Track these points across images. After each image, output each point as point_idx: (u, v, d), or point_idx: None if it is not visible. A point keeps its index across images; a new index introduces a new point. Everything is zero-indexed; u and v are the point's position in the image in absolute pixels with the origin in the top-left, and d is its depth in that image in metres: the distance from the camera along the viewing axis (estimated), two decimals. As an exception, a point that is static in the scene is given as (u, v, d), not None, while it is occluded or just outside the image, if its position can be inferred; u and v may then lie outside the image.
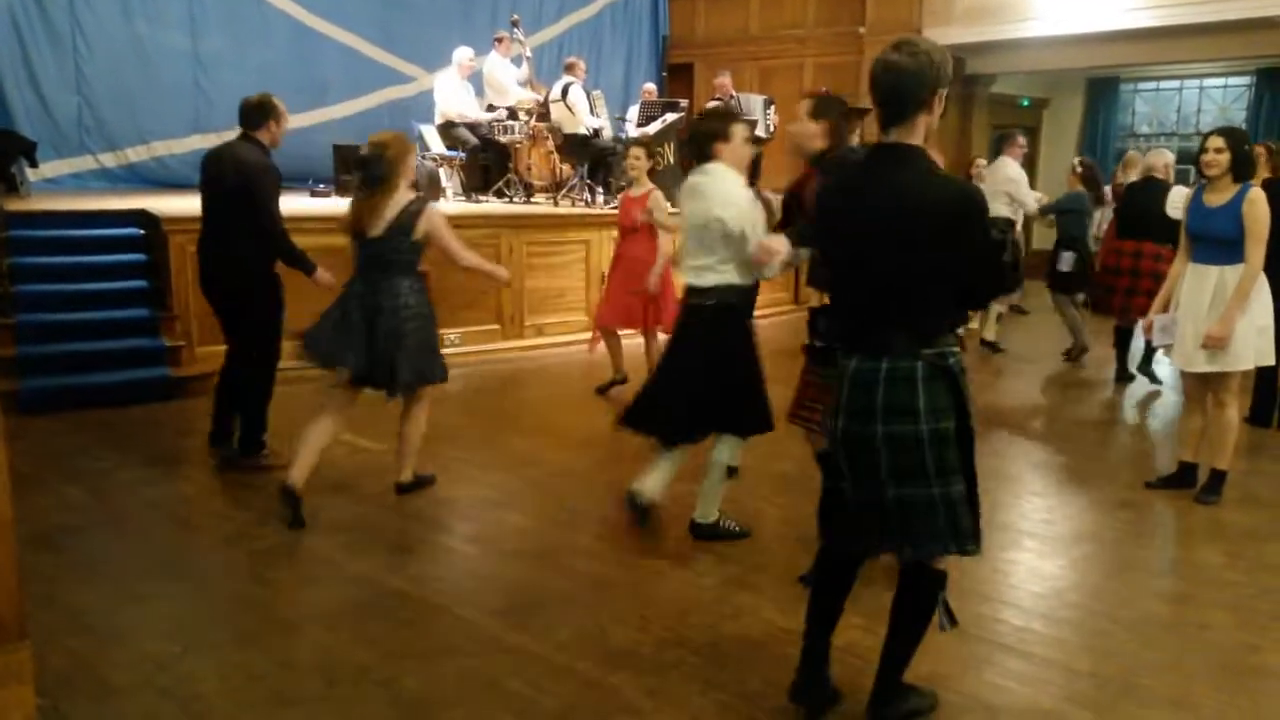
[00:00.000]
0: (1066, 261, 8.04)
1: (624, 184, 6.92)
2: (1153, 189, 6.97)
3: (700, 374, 3.98)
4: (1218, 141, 4.60)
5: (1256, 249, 4.52)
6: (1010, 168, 8.62)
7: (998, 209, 6.99)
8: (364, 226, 4.37)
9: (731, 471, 4.19)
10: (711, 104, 11.19)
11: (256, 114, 4.87)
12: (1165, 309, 4.85)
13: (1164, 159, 7.16)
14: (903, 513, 2.54)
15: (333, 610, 3.60)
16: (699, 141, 4.08)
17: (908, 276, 2.47)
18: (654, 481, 4.19)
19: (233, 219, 4.87)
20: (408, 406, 4.69)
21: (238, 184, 4.80)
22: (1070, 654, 3.35)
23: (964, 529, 2.56)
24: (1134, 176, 7.84)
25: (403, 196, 4.38)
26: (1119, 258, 7.19)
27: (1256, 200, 4.53)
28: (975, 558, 2.72)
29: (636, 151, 6.51)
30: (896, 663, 2.77)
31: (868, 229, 2.50)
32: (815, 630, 2.85)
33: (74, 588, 3.73)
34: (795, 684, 2.88)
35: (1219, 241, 4.61)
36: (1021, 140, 8.87)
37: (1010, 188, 8.47)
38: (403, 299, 4.36)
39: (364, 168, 4.37)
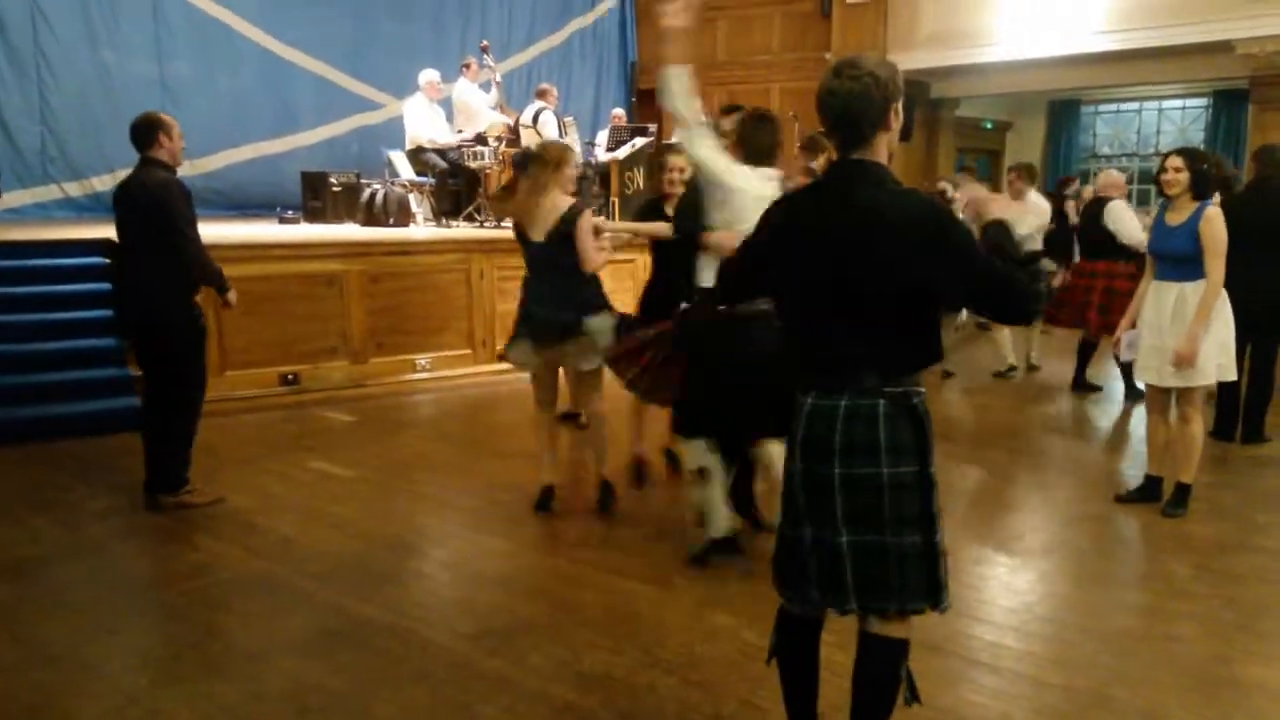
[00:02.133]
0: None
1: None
2: (1099, 208, 7.37)
3: (756, 376, 3.83)
4: (1176, 161, 4.71)
5: (1216, 265, 4.61)
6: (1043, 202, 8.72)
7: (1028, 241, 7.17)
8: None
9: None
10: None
11: (145, 133, 4.77)
12: (1132, 326, 4.95)
13: (1115, 179, 7.61)
14: (855, 563, 2.34)
15: (303, 639, 3.57)
16: (768, 147, 4.01)
17: (876, 304, 2.29)
18: (722, 515, 4.16)
19: (147, 247, 4.73)
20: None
21: (147, 204, 4.68)
22: (1041, 667, 3.37)
23: (913, 585, 2.35)
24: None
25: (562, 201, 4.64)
26: (1077, 275, 7.64)
27: (1213, 218, 4.62)
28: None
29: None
30: None
31: (831, 251, 2.32)
32: (796, 711, 2.63)
33: (42, 620, 3.67)
34: None
35: (1177, 259, 4.72)
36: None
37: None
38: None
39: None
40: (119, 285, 4.94)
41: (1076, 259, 7.97)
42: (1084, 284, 7.48)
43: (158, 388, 4.87)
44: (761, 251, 2.54)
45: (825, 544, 2.37)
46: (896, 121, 2.36)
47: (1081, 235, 7.82)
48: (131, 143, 4.82)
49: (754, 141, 4.01)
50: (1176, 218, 4.73)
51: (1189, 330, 4.63)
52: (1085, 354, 7.89)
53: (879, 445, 2.31)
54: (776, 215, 2.52)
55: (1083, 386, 7.91)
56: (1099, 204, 7.41)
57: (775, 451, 4.07)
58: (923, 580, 2.36)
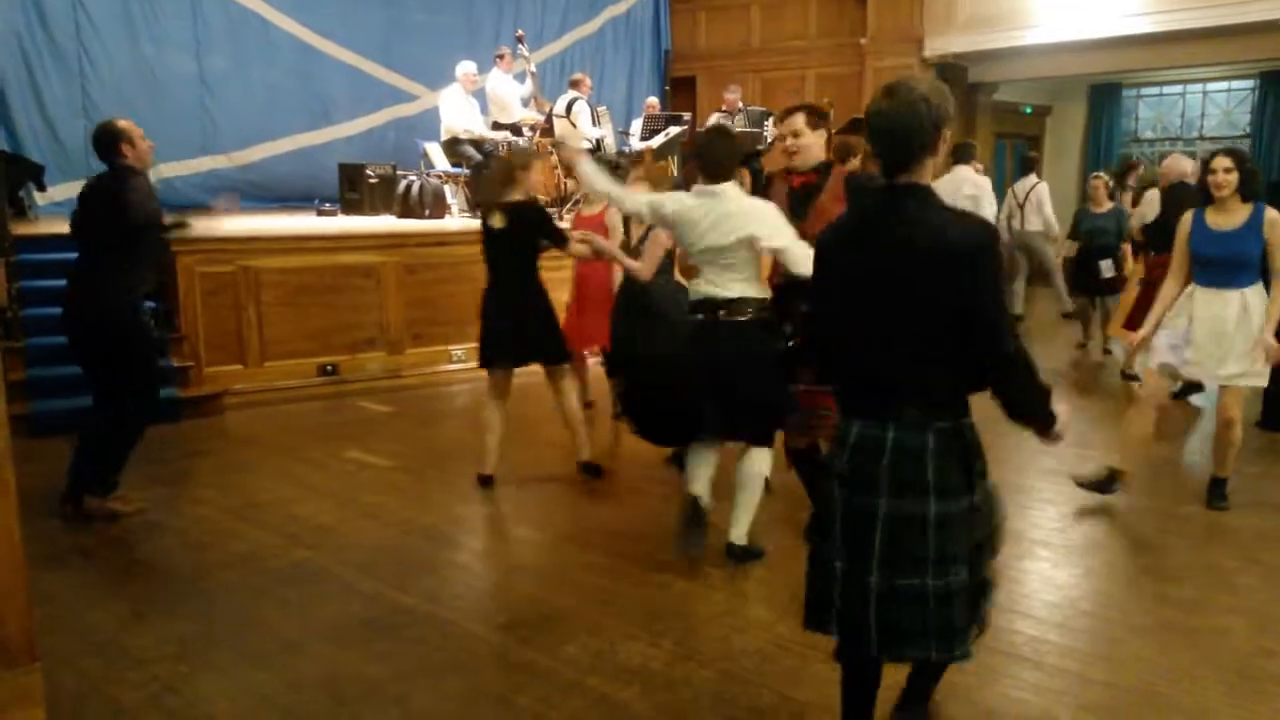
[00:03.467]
0: (1108, 269, 8.44)
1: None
2: (1186, 195, 6.63)
3: (756, 381, 3.87)
4: (1226, 162, 4.53)
5: None
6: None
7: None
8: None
9: (766, 484, 4.21)
10: (715, 118, 11.22)
11: (105, 143, 4.65)
12: (1154, 330, 4.77)
13: (1187, 164, 7.21)
14: (890, 606, 2.30)
15: (341, 628, 3.60)
16: (720, 161, 3.93)
17: (925, 331, 2.25)
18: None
19: (101, 252, 4.65)
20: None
21: (102, 203, 4.59)
22: (1085, 663, 3.32)
23: (957, 628, 2.32)
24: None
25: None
26: (1152, 270, 6.97)
27: (1276, 221, 4.51)
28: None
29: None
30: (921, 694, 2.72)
31: (876, 277, 2.29)
32: (851, 711, 2.58)
33: (84, 609, 3.73)
34: None
35: (1238, 264, 4.54)
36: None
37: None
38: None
39: None
40: (68, 292, 4.76)
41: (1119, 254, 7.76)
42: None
43: (110, 388, 4.73)
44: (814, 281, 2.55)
45: (855, 580, 2.33)
46: (944, 146, 2.33)
47: (1156, 227, 7.10)
48: (96, 154, 4.72)
49: (708, 155, 3.95)
50: (1227, 220, 4.55)
51: (1270, 330, 4.51)
52: None
53: (927, 484, 2.27)
54: (827, 241, 2.50)
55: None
56: (1179, 190, 6.91)
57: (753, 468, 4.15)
58: (958, 622, 2.33)
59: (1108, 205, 8.69)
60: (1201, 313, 4.64)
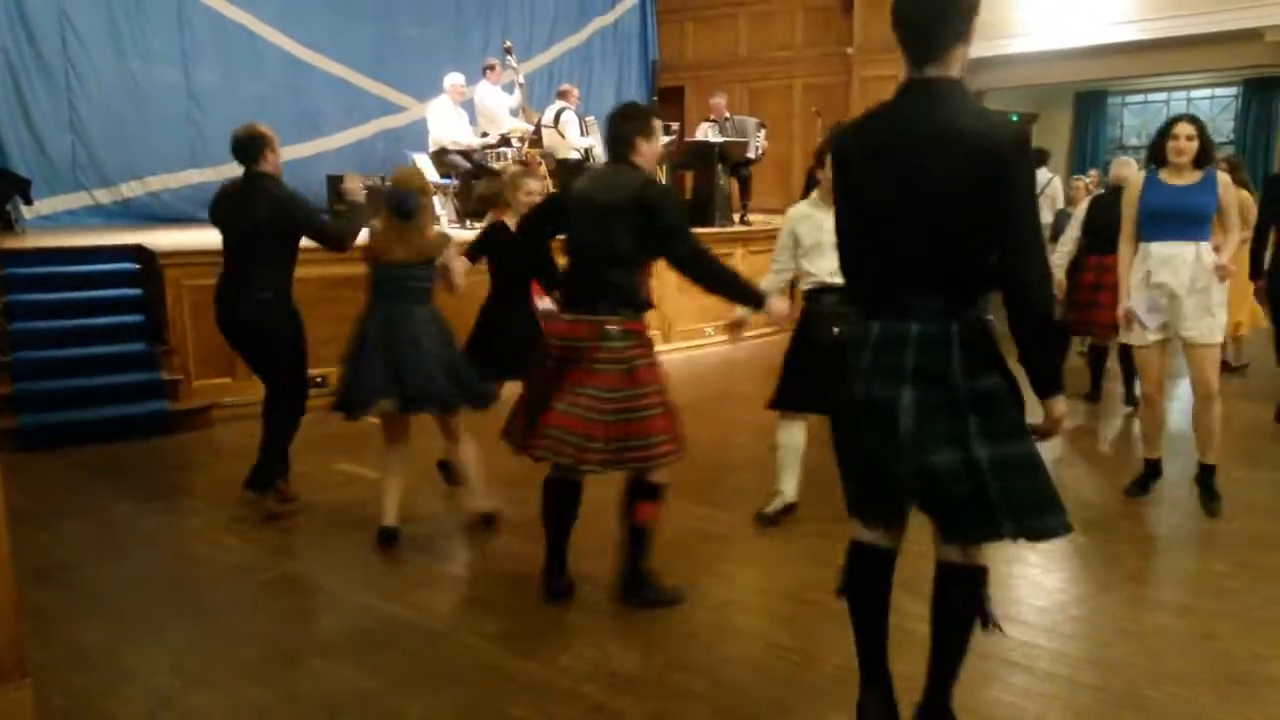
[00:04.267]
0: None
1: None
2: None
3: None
4: (1189, 129, 4.61)
5: (1237, 220, 4.73)
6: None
7: None
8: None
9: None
10: (703, 128, 11.27)
11: (251, 148, 4.79)
12: (1128, 298, 4.79)
13: (1133, 169, 6.80)
14: (996, 480, 2.26)
15: (335, 641, 3.59)
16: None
17: (946, 227, 2.20)
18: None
19: (260, 258, 4.78)
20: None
21: (266, 206, 4.72)
22: (1075, 668, 3.33)
23: (1049, 498, 2.32)
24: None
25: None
26: (1083, 273, 6.94)
27: (1229, 183, 4.71)
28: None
29: (533, 185, 5.47)
30: (946, 680, 2.60)
31: (898, 172, 2.22)
32: (869, 652, 2.60)
33: (75, 624, 3.72)
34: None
35: (1195, 217, 4.62)
36: None
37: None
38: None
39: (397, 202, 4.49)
40: (224, 290, 4.93)
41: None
42: (1093, 280, 6.82)
43: (274, 391, 4.99)
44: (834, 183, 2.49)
45: (914, 465, 2.30)
46: (972, 37, 2.25)
47: (1094, 226, 6.93)
48: (234, 154, 4.83)
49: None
50: (1183, 180, 4.63)
51: (1225, 262, 4.59)
52: (1099, 361, 7.40)
53: (953, 369, 2.25)
54: (841, 141, 2.47)
55: (1135, 401, 7.15)
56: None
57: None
58: (1045, 492, 2.34)
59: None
60: (1156, 265, 4.65)
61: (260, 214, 4.72)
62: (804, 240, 4.46)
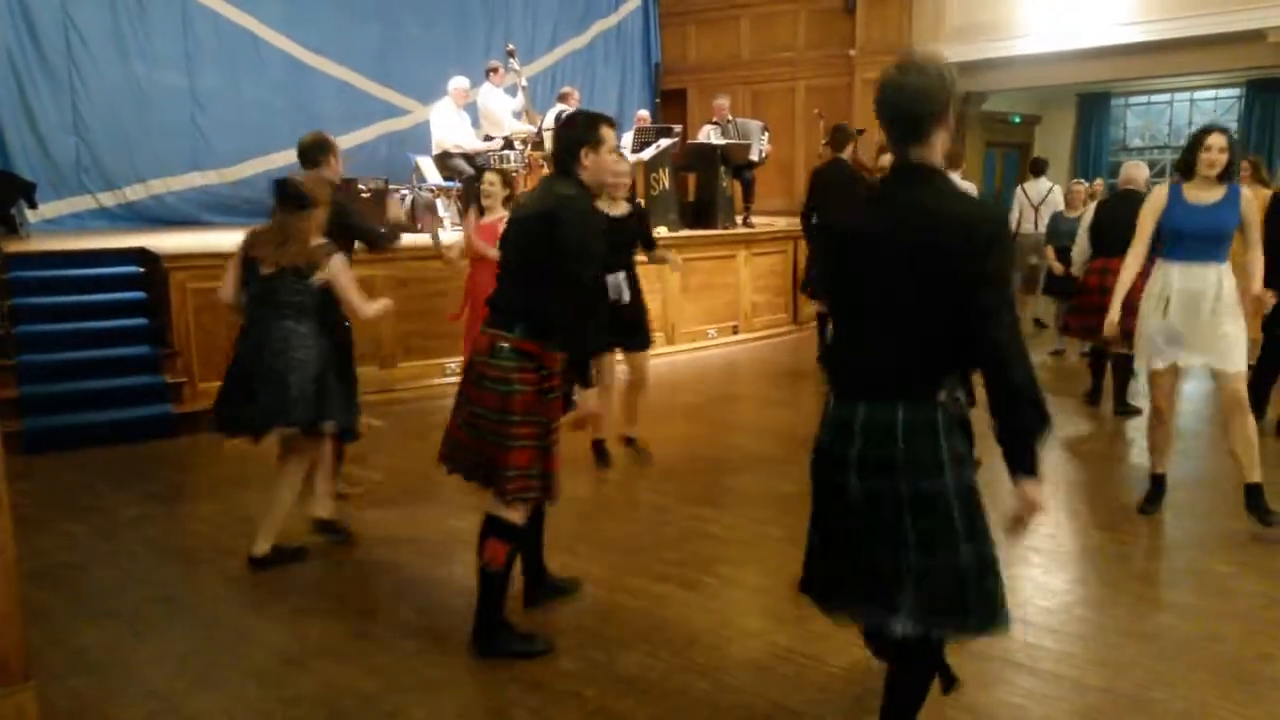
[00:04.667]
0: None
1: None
2: (1132, 202, 6.20)
3: None
4: (1222, 140, 4.48)
5: (1258, 234, 4.60)
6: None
7: None
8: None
9: None
10: (705, 130, 11.26)
11: (314, 153, 4.82)
12: (1120, 312, 4.77)
13: (1144, 172, 6.86)
14: (930, 583, 2.30)
15: (336, 643, 3.58)
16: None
17: (926, 309, 2.25)
18: None
19: None
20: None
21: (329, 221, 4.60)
22: (1081, 669, 3.33)
23: (999, 598, 2.36)
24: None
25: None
26: (1096, 276, 6.66)
27: (1251, 198, 4.61)
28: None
29: (491, 177, 6.10)
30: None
31: (883, 254, 2.29)
32: None
33: (78, 626, 3.72)
34: None
35: (1220, 237, 4.53)
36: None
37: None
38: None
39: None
40: None
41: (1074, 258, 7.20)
42: (1098, 283, 6.50)
43: None
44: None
45: (890, 562, 2.32)
46: (953, 123, 2.34)
47: (1101, 229, 6.75)
48: (300, 158, 4.84)
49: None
50: (1208, 196, 4.52)
51: (1260, 291, 4.61)
52: (1122, 369, 6.96)
53: (943, 459, 2.29)
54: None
55: (1127, 409, 7.01)
56: (1132, 198, 6.47)
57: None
58: (998, 594, 2.36)
59: (1079, 210, 8.61)
60: (1179, 288, 4.56)
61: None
62: None
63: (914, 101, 2.28)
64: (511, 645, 3.44)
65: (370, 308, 4.30)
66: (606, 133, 3.36)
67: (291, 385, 4.09)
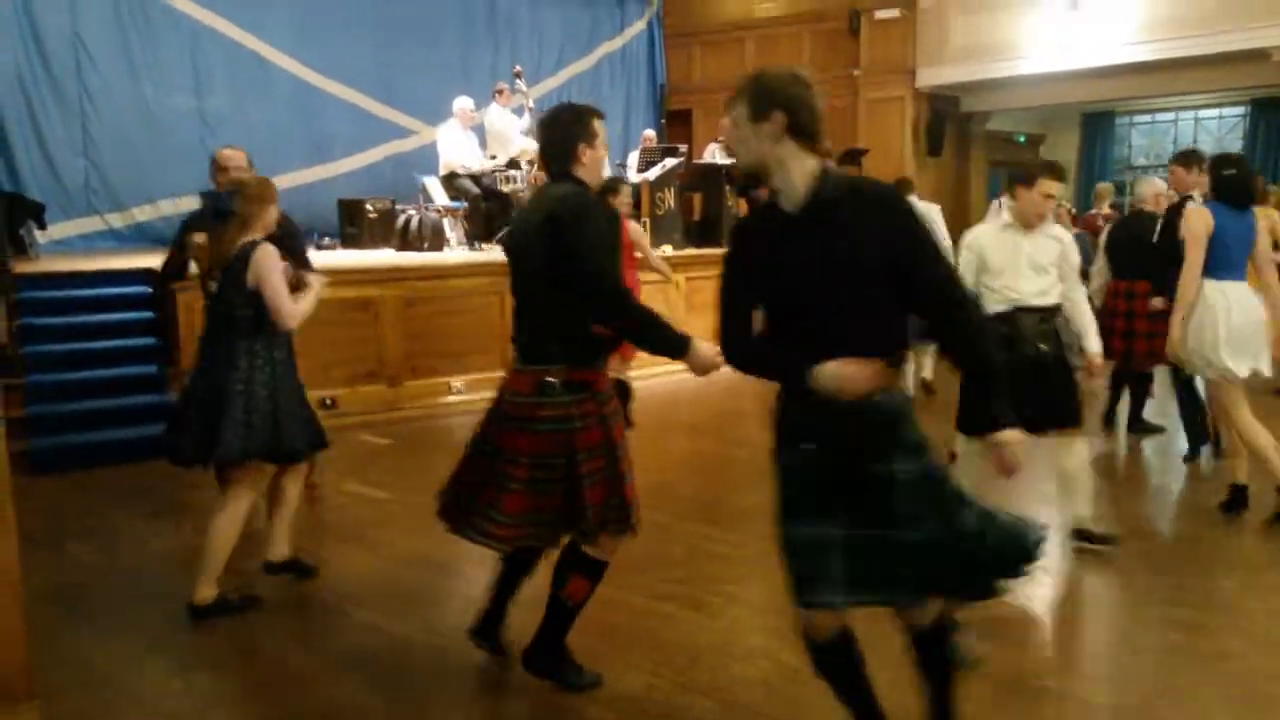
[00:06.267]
0: None
1: None
2: (1144, 222, 6.35)
3: None
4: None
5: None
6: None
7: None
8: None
9: None
10: (711, 148, 11.32)
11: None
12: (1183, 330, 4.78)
13: (1154, 188, 6.67)
14: (920, 558, 2.34)
15: (341, 659, 3.59)
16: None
17: (866, 290, 2.36)
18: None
19: None
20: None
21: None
22: (1087, 686, 3.31)
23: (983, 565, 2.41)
24: (1104, 209, 8.03)
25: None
26: (1114, 299, 6.53)
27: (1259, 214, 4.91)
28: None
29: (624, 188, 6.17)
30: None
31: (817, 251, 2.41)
32: (860, 712, 2.58)
33: (84, 645, 3.72)
34: None
35: (1249, 255, 4.81)
36: None
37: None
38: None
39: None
40: None
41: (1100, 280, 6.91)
42: (1123, 307, 6.40)
43: None
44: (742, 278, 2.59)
45: (884, 540, 2.34)
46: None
47: (1118, 252, 6.66)
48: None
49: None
50: (1240, 215, 4.76)
51: None
52: (1140, 388, 6.86)
53: (919, 440, 2.38)
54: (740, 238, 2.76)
55: (1142, 427, 6.92)
56: (1142, 218, 6.48)
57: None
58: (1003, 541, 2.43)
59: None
60: (1237, 304, 4.68)
61: None
62: (994, 263, 4.27)
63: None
64: (566, 675, 3.29)
65: (297, 309, 3.94)
66: (599, 126, 3.23)
67: (247, 411, 3.81)
